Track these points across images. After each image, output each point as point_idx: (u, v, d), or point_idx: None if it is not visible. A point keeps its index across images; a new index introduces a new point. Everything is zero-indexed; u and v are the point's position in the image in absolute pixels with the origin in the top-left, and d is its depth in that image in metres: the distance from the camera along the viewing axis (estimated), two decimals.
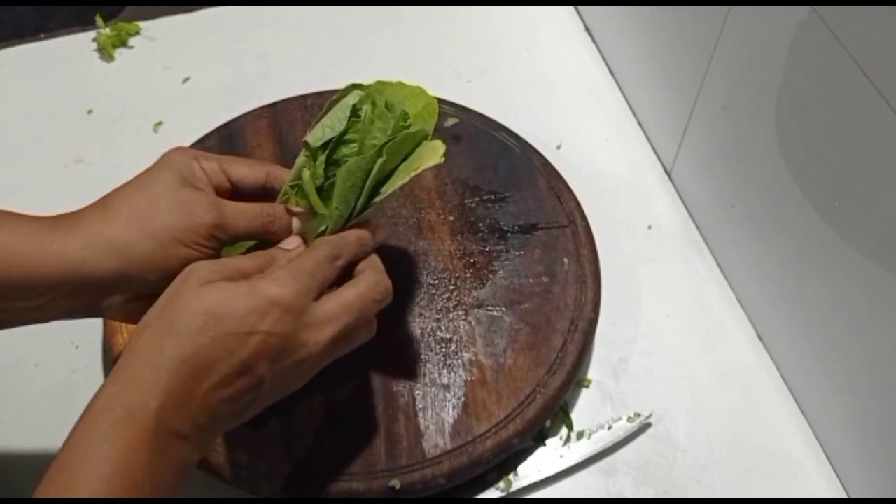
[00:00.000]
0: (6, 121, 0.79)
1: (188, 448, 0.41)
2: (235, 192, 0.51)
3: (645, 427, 0.62)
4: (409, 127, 0.51)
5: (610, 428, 0.61)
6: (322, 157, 0.50)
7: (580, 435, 0.61)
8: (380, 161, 0.49)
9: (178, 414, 0.40)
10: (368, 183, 0.50)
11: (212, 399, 0.41)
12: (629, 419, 0.61)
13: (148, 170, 0.49)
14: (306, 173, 0.50)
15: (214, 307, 0.42)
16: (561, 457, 0.60)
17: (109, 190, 0.49)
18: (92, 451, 0.38)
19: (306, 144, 0.50)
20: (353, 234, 0.50)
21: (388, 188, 0.50)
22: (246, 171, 0.51)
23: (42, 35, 0.86)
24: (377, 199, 0.50)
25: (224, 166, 0.51)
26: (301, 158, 0.51)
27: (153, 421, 0.39)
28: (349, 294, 0.47)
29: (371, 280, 0.48)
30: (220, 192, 0.50)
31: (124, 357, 0.41)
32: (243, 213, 0.48)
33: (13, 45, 0.85)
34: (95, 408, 0.40)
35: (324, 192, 0.50)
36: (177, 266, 0.45)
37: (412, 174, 0.49)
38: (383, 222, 0.52)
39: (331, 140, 0.50)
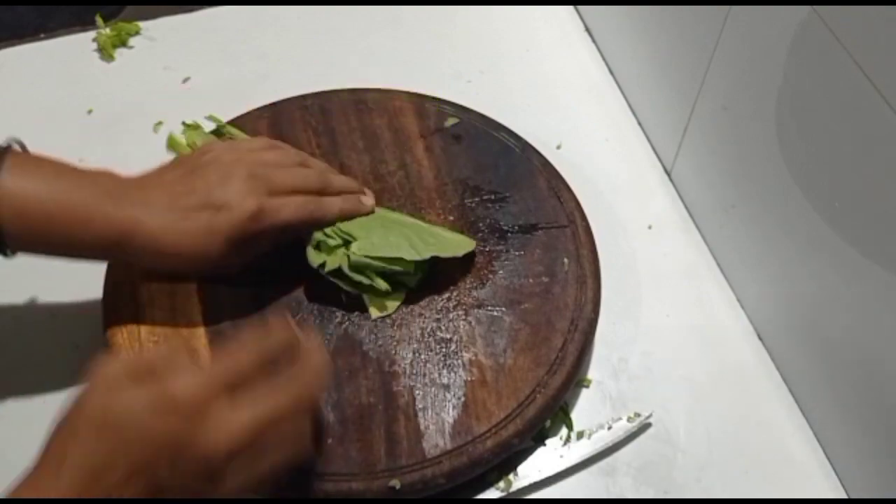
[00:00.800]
0: (6, 121, 0.79)
1: None
2: None
3: (645, 427, 0.62)
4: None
5: (610, 428, 0.61)
6: (347, 253, 0.59)
7: (580, 435, 0.61)
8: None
9: None
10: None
11: (113, 496, 0.42)
12: (629, 419, 0.61)
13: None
14: (351, 256, 0.59)
15: (113, 418, 0.42)
16: (561, 457, 0.60)
17: None
18: None
19: (351, 254, 0.59)
20: (281, 337, 0.49)
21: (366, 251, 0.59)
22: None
23: (42, 35, 0.86)
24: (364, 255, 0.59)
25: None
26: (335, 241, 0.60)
27: None
28: (263, 408, 0.45)
29: (292, 394, 0.47)
30: None
31: (41, 456, 0.42)
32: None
33: (13, 45, 0.85)
34: (14, 494, 0.42)
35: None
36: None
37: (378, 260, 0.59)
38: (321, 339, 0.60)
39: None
